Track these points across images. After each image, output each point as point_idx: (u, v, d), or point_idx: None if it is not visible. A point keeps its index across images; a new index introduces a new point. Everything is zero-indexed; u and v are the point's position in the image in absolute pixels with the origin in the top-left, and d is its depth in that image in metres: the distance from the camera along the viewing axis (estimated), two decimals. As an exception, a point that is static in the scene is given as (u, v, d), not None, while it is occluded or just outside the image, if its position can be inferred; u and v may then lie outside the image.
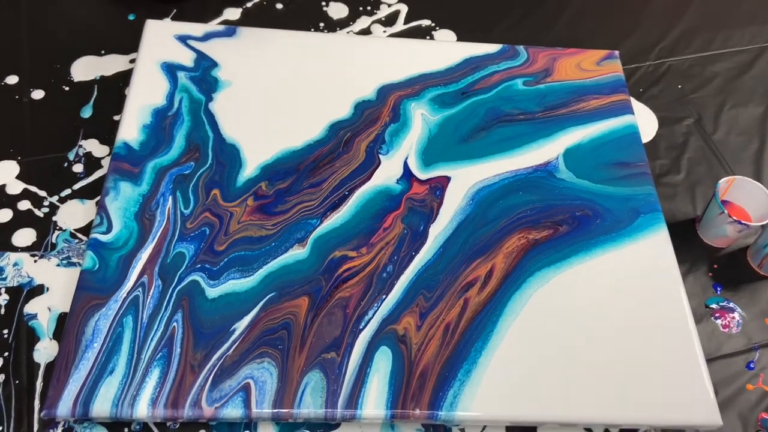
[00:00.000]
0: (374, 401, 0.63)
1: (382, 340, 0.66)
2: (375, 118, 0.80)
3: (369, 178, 0.76)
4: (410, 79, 0.83)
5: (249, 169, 0.76)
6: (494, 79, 0.84)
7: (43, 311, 0.71)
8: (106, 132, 0.82)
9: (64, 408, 0.61)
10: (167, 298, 0.68)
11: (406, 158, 0.77)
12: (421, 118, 0.80)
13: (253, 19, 0.94)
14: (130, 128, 0.78)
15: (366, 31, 0.93)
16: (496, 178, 0.76)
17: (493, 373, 0.63)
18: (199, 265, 0.70)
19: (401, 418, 0.62)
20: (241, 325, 0.66)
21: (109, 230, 0.72)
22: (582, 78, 0.83)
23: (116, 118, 0.83)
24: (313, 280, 0.69)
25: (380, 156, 0.77)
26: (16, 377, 0.67)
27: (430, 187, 0.76)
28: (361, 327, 0.67)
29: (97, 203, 0.75)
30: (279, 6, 0.95)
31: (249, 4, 0.94)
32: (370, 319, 0.67)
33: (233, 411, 0.62)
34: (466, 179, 0.76)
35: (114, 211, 0.73)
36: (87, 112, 0.84)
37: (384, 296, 0.68)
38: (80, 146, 0.81)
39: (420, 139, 0.79)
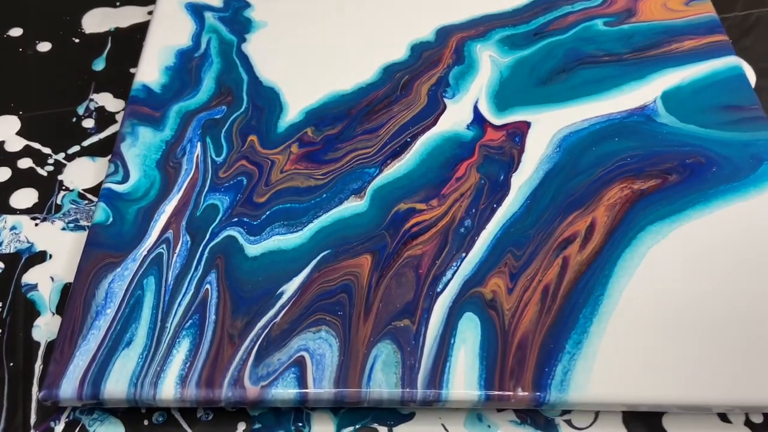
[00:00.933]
0: (463, 379, 0.47)
1: (466, 305, 0.50)
2: (435, 60, 0.66)
3: (434, 123, 0.61)
4: (473, 20, 0.69)
5: (291, 114, 0.62)
6: (570, 20, 0.70)
7: (44, 281, 0.56)
8: (121, 85, 0.68)
9: (68, 388, 0.46)
10: (198, 256, 0.53)
11: (476, 102, 0.62)
12: (489, 60, 0.66)
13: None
14: (150, 69, 0.64)
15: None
16: (585, 123, 0.61)
17: (609, 344, 0.48)
18: (236, 219, 0.55)
19: (499, 400, 0.46)
20: (291, 287, 0.51)
21: (125, 179, 0.57)
22: (671, 18, 0.69)
23: (132, 70, 0.68)
24: (375, 236, 0.54)
25: (445, 100, 0.63)
26: (10, 359, 0.52)
27: (507, 133, 0.61)
28: (438, 290, 0.51)
29: (110, 161, 0.61)
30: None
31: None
32: (449, 280, 0.52)
33: (285, 391, 0.47)
34: (549, 125, 0.61)
35: (132, 159, 0.58)
36: (99, 65, 0.70)
37: (464, 254, 0.53)
38: (91, 100, 0.67)
39: (491, 83, 0.64)
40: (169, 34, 0.66)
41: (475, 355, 0.49)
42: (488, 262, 0.54)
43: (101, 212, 0.54)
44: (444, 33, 0.68)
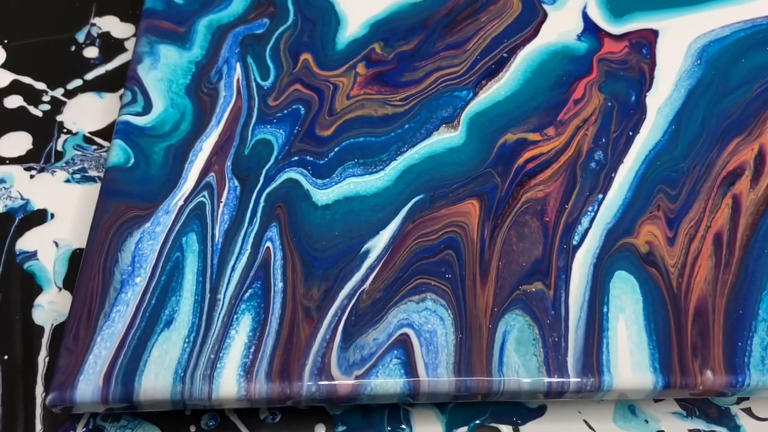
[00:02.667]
0: (629, 361, 0.34)
1: (616, 261, 0.38)
2: None
3: (534, 34, 0.48)
4: None
5: (352, 27, 0.48)
6: None
7: (46, 248, 0.43)
8: (128, 6, 0.54)
9: (87, 388, 0.33)
10: (252, 206, 0.39)
11: (585, 7, 0.49)
12: None
13: None
14: None
15: None
16: (727, 30, 0.48)
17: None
18: (296, 158, 0.42)
19: (681, 387, 0.33)
20: (378, 243, 0.38)
21: (147, 110, 0.43)
22: None
23: None
24: (479, 175, 0.41)
25: (544, 6, 0.49)
26: (5, 350, 0.39)
27: (630, 44, 0.48)
28: (575, 242, 0.38)
29: (121, 97, 0.47)
30: None
31: None
32: (587, 230, 0.39)
33: (388, 382, 0.33)
34: (681, 33, 0.48)
35: (153, 84, 0.44)
36: None
37: (600, 195, 0.40)
38: (93, 24, 0.53)
39: None
40: None
41: (640, 327, 0.36)
42: (635, 205, 0.41)
43: (119, 151, 0.41)
44: None
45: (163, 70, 0.45)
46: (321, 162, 0.42)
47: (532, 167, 0.43)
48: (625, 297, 0.37)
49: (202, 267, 0.37)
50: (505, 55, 0.48)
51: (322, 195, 0.41)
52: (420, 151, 0.43)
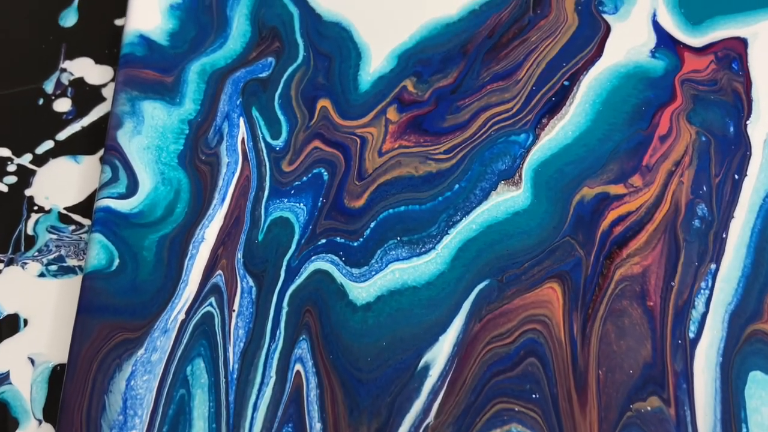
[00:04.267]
0: None
1: (748, 358, 0.28)
2: None
3: (598, 53, 0.38)
4: None
5: (376, 61, 0.38)
6: None
7: (20, 367, 0.34)
8: (105, 44, 0.44)
9: None
10: (273, 314, 0.29)
11: (654, 14, 0.39)
12: None
13: None
14: (148, 11, 0.39)
15: None
16: None
17: None
18: (323, 241, 0.32)
19: None
20: (439, 354, 0.28)
21: (132, 190, 0.33)
22: None
23: (119, 22, 0.44)
24: (556, 247, 0.31)
25: (605, 16, 0.39)
26: None
27: (716, 58, 0.37)
28: (691, 334, 0.29)
29: (101, 159, 0.37)
30: None
31: None
32: (704, 315, 0.29)
33: None
34: None
35: (138, 154, 0.34)
36: (70, 19, 0.46)
37: (713, 265, 0.30)
38: (63, 70, 0.43)
39: None
40: None
41: (797, 455, 0.26)
42: (758, 275, 0.31)
43: (99, 251, 0.31)
44: None
45: (150, 135, 0.35)
46: (355, 244, 0.32)
47: (620, 231, 0.33)
48: (767, 410, 0.27)
49: (215, 408, 0.27)
50: (566, 83, 0.38)
51: (361, 290, 0.31)
52: (477, 219, 0.33)
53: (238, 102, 0.37)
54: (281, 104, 0.37)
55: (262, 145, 0.36)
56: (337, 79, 0.38)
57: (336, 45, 0.39)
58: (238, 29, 0.40)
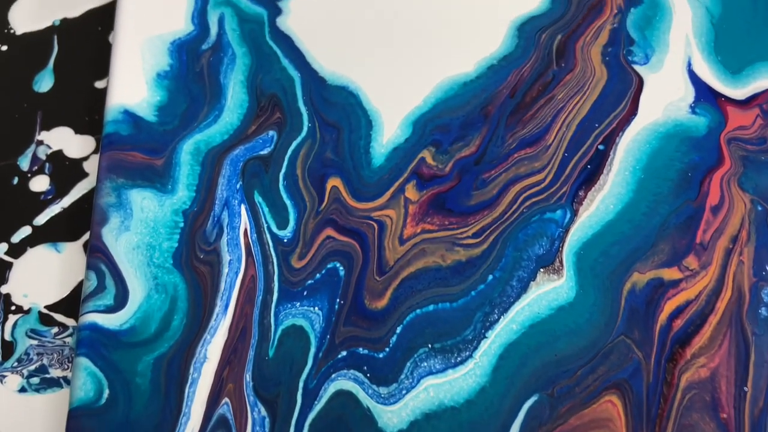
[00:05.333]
0: None
1: None
2: (594, 4, 0.36)
3: (633, 111, 0.32)
4: None
5: (389, 130, 0.32)
6: None
7: None
8: (84, 111, 0.38)
9: None
10: None
11: (689, 63, 0.33)
12: None
13: None
14: (132, 81, 0.33)
15: None
16: None
17: None
18: (344, 353, 0.26)
19: None
20: None
21: (122, 302, 0.27)
22: None
23: (99, 84, 0.38)
24: (610, 350, 0.26)
25: (635, 67, 0.33)
26: None
27: (761, 111, 0.32)
28: None
29: (86, 247, 0.31)
30: None
31: None
32: None
33: None
34: None
35: (126, 256, 0.28)
36: (45, 83, 0.40)
37: None
38: (39, 143, 0.37)
39: (699, 27, 0.35)
40: (152, 17, 0.35)
41: None
42: None
43: (85, 380, 0.25)
44: None
45: (140, 231, 0.29)
46: (380, 355, 0.26)
47: (681, 326, 0.27)
48: None
49: None
50: (600, 147, 0.33)
51: (392, 415, 0.25)
52: (517, 317, 0.27)
53: (238, 186, 0.31)
54: (287, 186, 0.31)
55: (268, 237, 0.30)
56: (347, 153, 0.32)
57: (344, 113, 0.34)
58: (234, 99, 0.34)
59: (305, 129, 0.33)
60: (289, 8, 0.36)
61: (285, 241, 0.30)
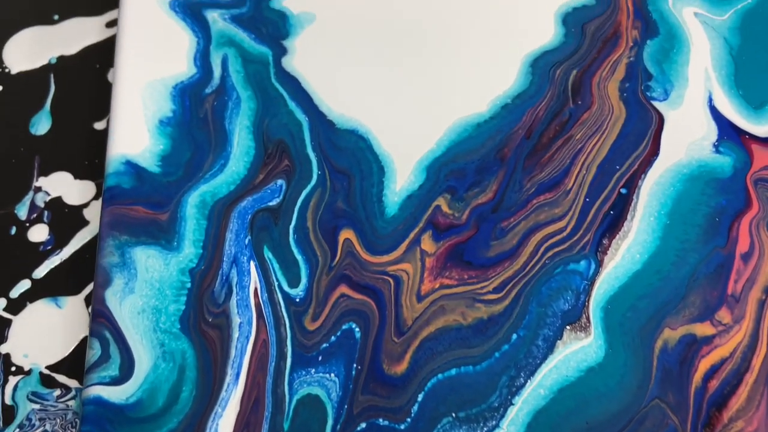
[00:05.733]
0: None
1: None
2: (609, 36, 0.34)
3: (654, 151, 0.31)
4: None
5: (402, 176, 0.30)
6: None
7: None
8: (83, 154, 0.36)
9: None
10: None
11: (710, 98, 0.31)
12: (698, 21, 0.34)
13: None
14: (133, 129, 0.31)
15: None
16: None
17: None
18: (363, 425, 0.24)
19: None
20: None
21: (127, 373, 0.25)
22: None
23: (98, 126, 0.36)
24: (644, 415, 0.24)
25: (654, 103, 0.31)
26: None
27: None
28: None
29: (87, 301, 0.29)
30: None
31: None
32: None
33: None
34: None
35: (131, 321, 0.26)
36: (42, 125, 0.38)
37: None
38: (38, 189, 0.35)
39: (718, 60, 0.33)
40: (152, 59, 0.33)
41: None
42: None
43: None
44: None
45: (145, 293, 0.27)
46: (402, 426, 0.25)
47: (716, 387, 0.25)
48: None
49: None
50: (622, 190, 0.31)
51: None
52: (545, 381, 0.25)
53: (246, 241, 0.29)
54: (297, 240, 0.29)
55: (279, 296, 0.28)
56: (359, 203, 0.30)
57: (354, 159, 0.32)
58: (240, 146, 0.32)
59: (315, 177, 0.31)
60: (295, 47, 0.34)
61: (297, 300, 0.28)
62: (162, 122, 0.32)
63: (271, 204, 0.30)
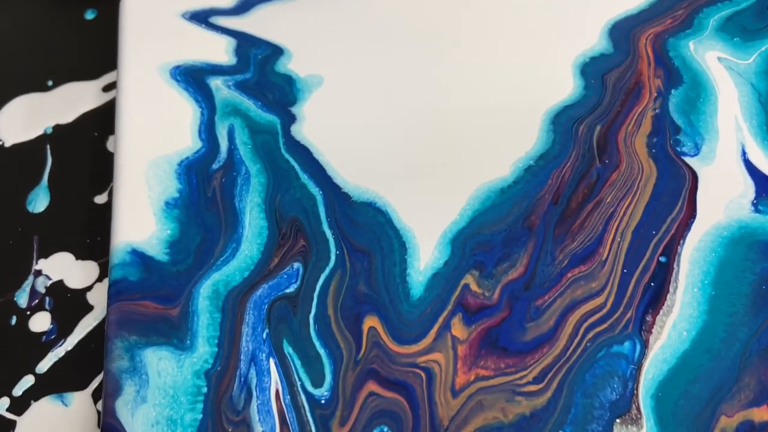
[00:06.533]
0: None
1: None
2: (631, 87, 0.32)
3: (691, 213, 0.28)
4: (655, 2, 0.35)
5: (426, 251, 0.27)
6: None
7: None
8: (84, 232, 0.33)
9: None
10: None
11: (743, 150, 0.28)
12: (723, 68, 0.32)
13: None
14: (140, 214, 0.28)
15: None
16: None
17: None
18: None
19: None
20: None
21: None
22: None
23: (99, 199, 0.33)
24: None
25: (685, 159, 0.28)
26: None
27: None
28: None
29: (95, 396, 0.26)
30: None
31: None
32: None
33: None
34: None
35: None
36: (40, 202, 0.35)
37: None
38: (38, 273, 0.32)
39: (747, 108, 0.31)
40: (154, 134, 0.30)
41: None
42: None
43: None
44: (620, 34, 0.34)
45: (158, 401, 0.24)
46: None
47: None
48: None
49: None
50: (662, 259, 0.28)
51: None
52: None
53: (264, 335, 0.26)
54: (318, 331, 0.26)
55: (303, 398, 0.25)
56: (381, 285, 0.27)
57: (374, 235, 0.29)
58: (252, 227, 0.29)
59: (333, 258, 0.28)
60: (304, 114, 0.32)
61: (322, 402, 0.25)
62: (168, 204, 0.29)
63: (288, 291, 0.27)
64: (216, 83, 0.33)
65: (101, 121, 0.39)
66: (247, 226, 0.29)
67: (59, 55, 0.41)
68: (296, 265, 0.28)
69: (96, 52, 0.40)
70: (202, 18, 0.35)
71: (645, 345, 0.25)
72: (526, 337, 0.26)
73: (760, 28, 0.35)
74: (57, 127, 0.39)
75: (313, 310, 0.26)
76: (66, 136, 0.39)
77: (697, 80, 0.33)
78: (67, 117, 0.40)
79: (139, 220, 0.29)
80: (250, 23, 0.35)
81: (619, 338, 0.26)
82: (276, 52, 0.34)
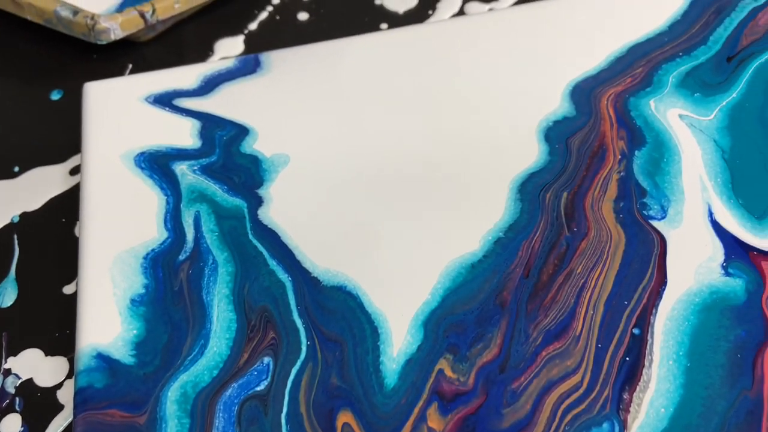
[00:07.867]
0: None
1: None
2: (596, 150, 0.31)
3: (661, 280, 0.27)
4: (614, 61, 0.34)
5: (398, 336, 0.26)
6: (765, 22, 0.35)
7: None
8: (53, 326, 0.31)
9: None
10: None
11: (709, 212, 0.28)
12: (684, 125, 0.31)
13: (265, 44, 0.44)
14: (105, 316, 0.27)
15: (461, 15, 0.44)
16: None
17: None
18: None
19: None
20: None
21: None
22: None
23: (67, 290, 0.31)
24: None
25: (653, 223, 0.27)
26: None
27: None
28: None
29: None
30: (302, 16, 0.45)
31: (253, 26, 0.44)
32: None
33: None
34: None
35: None
36: (8, 296, 0.34)
37: None
38: (7, 373, 0.30)
39: (711, 166, 0.30)
40: (119, 226, 0.29)
41: None
42: None
43: None
44: (581, 95, 0.33)
45: None
46: None
47: None
48: None
49: None
50: (635, 331, 0.27)
51: None
52: None
53: None
54: (292, 431, 0.25)
55: None
56: (355, 376, 0.26)
57: (345, 321, 0.27)
58: (220, 321, 0.27)
59: (304, 349, 0.26)
60: (270, 195, 0.30)
61: None
62: (134, 302, 0.27)
63: (258, 389, 0.26)
64: (181, 168, 0.32)
65: (69, 206, 0.38)
66: (215, 321, 0.27)
67: (25, 138, 0.39)
68: (266, 359, 0.26)
69: (62, 133, 0.39)
70: (165, 101, 0.33)
71: (624, 425, 0.24)
72: (503, 424, 0.24)
73: (720, 82, 0.34)
74: (24, 215, 0.37)
75: (285, 409, 0.25)
76: (33, 224, 0.37)
77: (659, 140, 0.32)
78: (34, 204, 0.38)
79: (105, 320, 0.27)
80: (215, 104, 0.33)
81: (597, 420, 0.24)
82: (241, 132, 0.32)
